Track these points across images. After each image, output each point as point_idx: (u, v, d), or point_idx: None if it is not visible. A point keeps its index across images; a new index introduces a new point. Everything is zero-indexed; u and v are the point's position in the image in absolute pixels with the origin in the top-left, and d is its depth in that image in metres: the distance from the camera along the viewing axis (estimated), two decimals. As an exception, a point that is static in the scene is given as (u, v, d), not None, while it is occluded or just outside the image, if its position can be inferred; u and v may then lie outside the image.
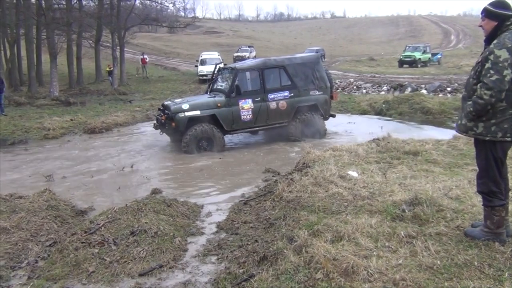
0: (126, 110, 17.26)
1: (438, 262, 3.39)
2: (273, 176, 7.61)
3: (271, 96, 10.40)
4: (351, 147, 8.01)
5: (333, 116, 11.41)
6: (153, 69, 38.06)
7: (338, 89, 21.91)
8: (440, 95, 18.15)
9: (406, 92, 18.55)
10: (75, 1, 27.97)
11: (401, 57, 35.21)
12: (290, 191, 5.76)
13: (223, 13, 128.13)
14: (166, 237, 4.78)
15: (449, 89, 19.12)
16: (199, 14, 78.25)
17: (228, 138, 11.01)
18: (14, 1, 26.72)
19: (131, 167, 8.93)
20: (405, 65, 33.75)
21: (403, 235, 3.94)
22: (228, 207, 6.20)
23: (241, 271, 3.91)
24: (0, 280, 4.12)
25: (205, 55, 32.78)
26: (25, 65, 26.73)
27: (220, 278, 3.90)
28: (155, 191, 6.73)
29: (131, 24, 30.62)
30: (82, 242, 4.60)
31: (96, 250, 4.46)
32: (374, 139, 8.66)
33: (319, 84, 10.83)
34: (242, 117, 10.21)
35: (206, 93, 11.23)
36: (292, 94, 10.56)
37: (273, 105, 10.38)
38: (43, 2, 24.43)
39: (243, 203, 6.21)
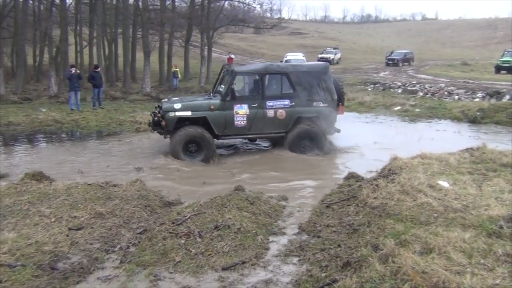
0: (211, 107, 17.76)
1: (542, 286, 3.11)
2: (356, 181, 7.42)
3: (269, 103, 9.74)
4: (441, 155, 7.58)
5: (338, 131, 10.34)
6: (238, 68, 38.79)
7: (427, 94, 20.98)
8: (544, 104, 16.65)
9: (504, 100, 17.29)
10: (168, 2, 29.36)
11: (499, 62, 32.78)
12: (375, 198, 5.60)
13: (309, 14, 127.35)
14: (248, 234, 4.86)
15: (554, 98, 17.52)
16: (285, 15, 78.50)
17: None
18: (114, 2, 28.70)
19: (209, 161, 9.28)
20: (502, 71, 31.37)
21: (500, 253, 3.67)
22: (310, 209, 6.15)
23: (323, 275, 3.87)
24: (95, 261, 4.43)
25: (289, 56, 32.98)
26: (121, 62, 28.58)
27: (302, 280, 3.89)
28: (238, 188, 6.81)
29: (220, 24, 31.51)
30: (170, 232, 4.82)
31: (183, 241, 4.65)
32: (467, 149, 8.14)
33: (324, 95, 10.01)
34: (236, 122, 9.66)
35: (210, 94, 10.94)
36: (293, 103, 9.83)
37: (270, 113, 9.74)
38: (140, 3, 25.94)
39: (325, 206, 6.14)
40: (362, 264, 3.80)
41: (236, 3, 32.84)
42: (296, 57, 32.18)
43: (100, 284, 4.06)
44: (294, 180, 7.97)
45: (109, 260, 4.51)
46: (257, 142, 11.23)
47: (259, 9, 37.40)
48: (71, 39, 29.48)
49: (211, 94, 10.57)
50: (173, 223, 5.06)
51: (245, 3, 32.60)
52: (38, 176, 7.03)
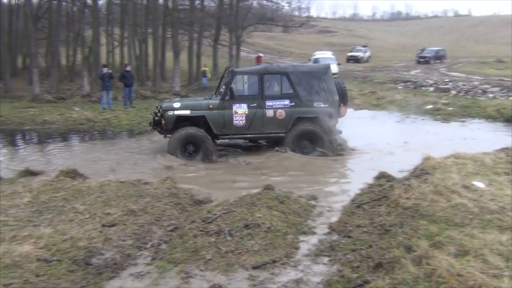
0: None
1: None
2: (387, 181, 7.29)
3: (269, 103, 9.66)
4: (476, 155, 7.39)
5: (339, 132, 10.11)
6: (266, 67, 38.76)
7: (460, 92, 20.46)
8: None
9: (541, 98, 16.72)
10: (198, 2, 29.59)
11: (536, 59, 31.74)
12: (407, 198, 5.50)
13: (338, 12, 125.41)
14: (278, 233, 4.86)
15: None
16: (313, 13, 77.44)
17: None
18: (145, 3, 29.14)
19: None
20: (540, 69, 30.35)
21: (540, 256, 3.54)
22: (340, 209, 6.10)
23: (354, 275, 3.83)
24: (128, 258, 4.51)
25: (318, 54, 32.50)
26: (151, 62, 28.98)
27: (333, 280, 3.86)
28: (268, 187, 6.79)
29: (248, 23, 31.54)
30: (200, 230, 4.87)
31: (213, 239, 4.68)
32: (503, 148, 7.91)
33: (325, 96, 9.82)
34: (234, 122, 9.61)
35: (213, 95, 10.90)
36: (293, 104, 9.71)
37: (270, 113, 9.65)
38: (169, 3, 26.25)
39: (356, 206, 6.07)
40: (394, 265, 3.74)
41: (264, 2, 32.97)
42: (324, 56, 31.70)
43: (133, 280, 4.12)
44: (323, 180, 7.95)
45: (141, 257, 4.58)
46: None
47: (287, 8, 37.37)
48: (103, 39, 30.01)
49: (213, 96, 10.62)
50: (203, 221, 5.10)
51: (273, 1, 32.64)
52: (72, 174, 7.22)
